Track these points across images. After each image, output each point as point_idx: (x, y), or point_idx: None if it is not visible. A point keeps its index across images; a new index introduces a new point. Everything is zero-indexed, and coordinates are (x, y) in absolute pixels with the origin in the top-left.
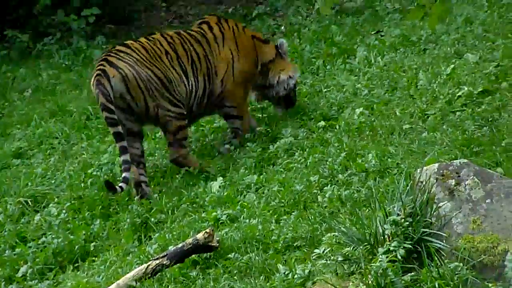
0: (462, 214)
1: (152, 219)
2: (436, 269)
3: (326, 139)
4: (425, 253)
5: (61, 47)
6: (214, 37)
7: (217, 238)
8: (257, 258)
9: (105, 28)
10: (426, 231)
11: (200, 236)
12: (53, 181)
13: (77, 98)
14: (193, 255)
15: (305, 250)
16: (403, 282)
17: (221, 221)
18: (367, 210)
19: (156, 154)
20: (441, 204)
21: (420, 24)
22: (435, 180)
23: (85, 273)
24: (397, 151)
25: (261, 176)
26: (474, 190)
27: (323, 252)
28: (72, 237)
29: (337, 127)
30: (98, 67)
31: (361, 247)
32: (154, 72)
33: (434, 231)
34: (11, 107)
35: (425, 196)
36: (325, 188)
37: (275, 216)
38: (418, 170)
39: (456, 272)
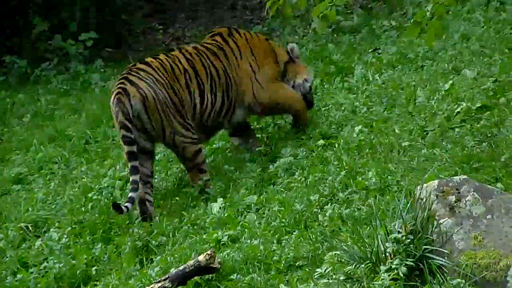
0: (463, 231)
1: (153, 242)
2: (439, 286)
3: (325, 158)
4: (427, 270)
5: (59, 72)
6: (231, 49)
7: (219, 260)
8: (259, 278)
9: (103, 52)
10: (427, 248)
11: (201, 258)
12: (53, 206)
13: (76, 122)
14: (195, 277)
15: (307, 270)
16: None
17: (222, 242)
18: (368, 228)
19: (156, 176)
20: (442, 220)
21: (417, 41)
22: (435, 197)
23: None
24: (397, 169)
25: (262, 196)
26: (475, 206)
27: (325, 271)
28: (73, 261)
29: (337, 145)
30: (119, 85)
31: (363, 265)
32: (170, 95)
33: (436, 248)
34: (10, 132)
35: (425, 213)
36: (326, 206)
37: (276, 236)
38: (418, 187)
39: None
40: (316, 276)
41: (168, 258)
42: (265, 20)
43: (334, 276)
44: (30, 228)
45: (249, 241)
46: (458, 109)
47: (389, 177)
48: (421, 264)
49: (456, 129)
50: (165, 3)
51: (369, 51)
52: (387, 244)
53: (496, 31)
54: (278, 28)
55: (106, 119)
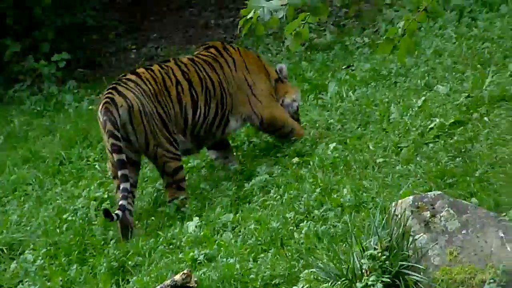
0: (439, 246)
1: (129, 262)
2: None
3: (300, 175)
4: (403, 286)
5: (32, 93)
6: (226, 61)
7: (195, 279)
8: None
9: (75, 72)
10: (403, 264)
11: (178, 277)
12: (28, 228)
13: (49, 143)
14: None
15: None
16: None
17: (198, 261)
18: (344, 245)
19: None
20: (417, 236)
21: (390, 58)
22: (410, 213)
23: None
24: (371, 185)
25: (237, 215)
26: (450, 221)
27: None
28: (49, 283)
29: (311, 162)
30: (107, 95)
31: (339, 282)
32: (157, 107)
33: (412, 264)
34: None
35: (401, 229)
36: (301, 224)
37: (253, 254)
38: (393, 204)
39: None
40: None
41: (145, 278)
42: (238, 39)
43: None
44: (5, 250)
45: (225, 259)
46: (432, 125)
47: (364, 193)
48: (397, 280)
49: (430, 145)
50: (138, 23)
51: (343, 68)
52: (363, 261)
53: (468, 47)
54: (251, 46)
55: (80, 139)
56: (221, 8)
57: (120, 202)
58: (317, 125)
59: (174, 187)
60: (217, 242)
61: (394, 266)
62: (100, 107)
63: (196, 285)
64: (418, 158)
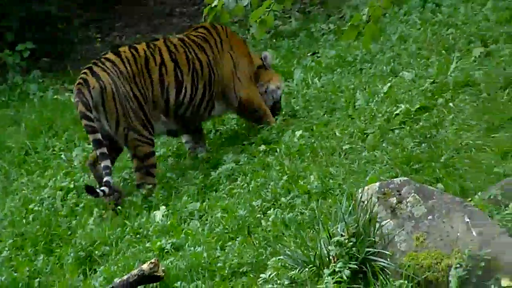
0: (405, 232)
1: (96, 252)
2: None
3: (267, 163)
4: (370, 273)
5: None
6: (215, 41)
7: (163, 268)
8: (203, 286)
9: (40, 62)
10: (370, 251)
11: (145, 266)
12: None
13: (15, 133)
14: (139, 286)
15: (252, 276)
16: None
17: (166, 250)
18: (311, 232)
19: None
20: (383, 222)
21: (355, 44)
22: (376, 199)
23: None
24: (338, 172)
25: (204, 203)
26: (416, 207)
27: (269, 276)
28: (15, 274)
29: (278, 150)
30: (81, 76)
31: (307, 269)
32: (133, 89)
33: (379, 250)
34: None
35: (367, 216)
36: (269, 212)
37: (220, 242)
38: (360, 190)
39: None
40: (260, 282)
41: (112, 267)
42: None
43: (278, 281)
44: None
45: (192, 248)
46: (397, 111)
47: (330, 180)
48: (364, 267)
49: (396, 131)
50: (102, 12)
51: (308, 55)
52: (330, 248)
53: (433, 33)
54: None
55: (46, 129)
56: None
57: (105, 179)
58: (284, 112)
59: (143, 172)
60: (184, 231)
61: (361, 252)
62: (74, 88)
63: (163, 274)
64: (384, 144)
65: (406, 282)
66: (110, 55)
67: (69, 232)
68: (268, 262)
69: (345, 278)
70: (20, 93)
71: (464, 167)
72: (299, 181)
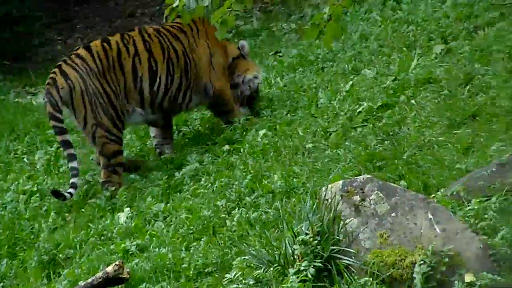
0: (369, 229)
1: (60, 255)
2: (347, 286)
3: (231, 163)
4: (335, 271)
5: None
6: (191, 30)
7: (128, 270)
8: (168, 287)
9: (0, 65)
10: (335, 249)
11: (110, 269)
12: None
13: None
14: None
15: (217, 276)
16: None
17: (130, 252)
18: (276, 231)
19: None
20: (347, 220)
21: (317, 43)
22: (340, 197)
23: None
24: (302, 171)
25: (169, 204)
26: (379, 204)
27: (234, 276)
28: None
29: (242, 150)
30: (50, 75)
31: (272, 268)
32: (103, 86)
33: (343, 248)
34: None
35: (331, 214)
36: (233, 211)
37: (185, 243)
38: (323, 188)
39: (366, 287)
40: (225, 282)
41: (76, 270)
42: None
43: (243, 281)
44: None
45: (157, 249)
46: (360, 109)
47: (294, 179)
48: (329, 265)
49: (359, 129)
50: (63, 14)
51: (270, 54)
52: (294, 247)
53: (393, 30)
54: None
55: (7, 132)
56: None
57: (72, 180)
58: (246, 112)
59: (109, 170)
60: (148, 232)
61: (325, 250)
62: (45, 88)
63: (128, 276)
64: (347, 143)
65: (370, 279)
66: (80, 51)
67: (33, 236)
68: (233, 262)
69: (310, 276)
70: None
71: (426, 163)
72: (263, 180)
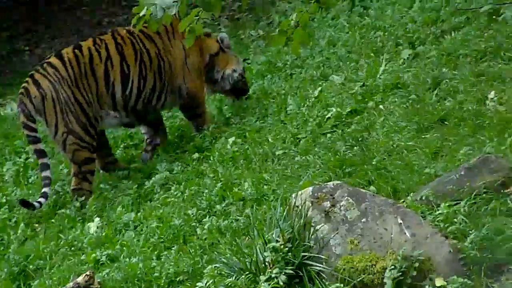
0: (340, 235)
1: (31, 267)
2: None
3: (201, 171)
4: (306, 277)
5: None
6: (166, 30)
7: (98, 280)
8: None
9: None
10: (306, 255)
11: (80, 279)
12: None
13: None
14: None
15: (188, 284)
16: None
17: (101, 262)
18: (247, 238)
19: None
20: (318, 227)
21: (285, 50)
22: (310, 204)
23: None
24: (272, 177)
25: (139, 213)
26: (349, 210)
27: (205, 284)
28: None
29: (211, 158)
30: (23, 85)
31: (243, 276)
32: (74, 94)
33: (314, 254)
34: None
35: (302, 220)
36: (204, 220)
37: (156, 252)
38: (294, 195)
39: None
40: None
41: (47, 281)
42: None
43: None
44: None
45: (128, 259)
46: (329, 115)
47: (264, 186)
48: (300, 271)
49: (328, 135)
50: (30, 24)
51: None
52: (265, 254)
53: (361, 36)
54: None
55: None
56: (114, 6)
57: (43, 190)
58: (216, 119)
59: (80, 177)
60: (119, 242)
61: (296, 257)
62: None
63: (99, 286)
64: (316, 149)
65: (342, 285)
66: (52, 59)
67: (2, 247)
68: (205, 270)
69: (281, 283)
70: None
71: (395, 168)
72: (233, 188)
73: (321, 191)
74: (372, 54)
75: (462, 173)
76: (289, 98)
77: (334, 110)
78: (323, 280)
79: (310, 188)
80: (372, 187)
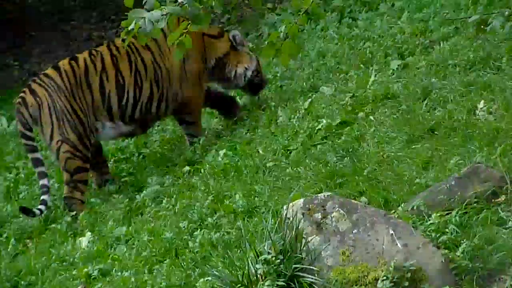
0: (331, 247)
1: (22, 282)
2: None
3: (192, 184)
4: None
5: None
6: (164, 35)
7: None
8: None
9: None
10: (297, 267)
11: None
12: None
13: None
14: None
15: None
16: None
17: (93, 277)
18: (239, 251)
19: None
20: (309, 238)
21: (274, 62)
22: (302, 215)
23: None
24: (263, 190)
25: (130, 227)
26: (341, 221)
27: None
28: None
29: (202, 170)
30: (21, 94)
31: None
32: (71, 103)
33: (306, 266)
34: None
35: (293, 232)
36: (195, 233)
37: (148, 266)
38: (285, 207)
39: None
40: None
41: None
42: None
43: None
44: None
45: (120, 273)
46: (319, 126)
47: (256, 198)
48: (292, 283)
49: (319, 146)
50: (19, 38)
51: None
52: (257, 266)
53: (350, 47)
54: None
55: None
56: (103, 20)
57: (42, 197)
58: (206, 132)
59: (71, 186)
60: (111, 256)
61: (288, 269)
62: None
63: None
64: (307, 160)
65: None
66: (49, 71)
67: None
68: (197, 284)
69: None
70: None
71: (386, 179)
72: (225, 200)
73: (313, 202)
74: (361, 65)
75: (453, 183)
76: (279, 110)
77: (324, 121)
78: None
79: (301, 200)
80: (363, 198)
